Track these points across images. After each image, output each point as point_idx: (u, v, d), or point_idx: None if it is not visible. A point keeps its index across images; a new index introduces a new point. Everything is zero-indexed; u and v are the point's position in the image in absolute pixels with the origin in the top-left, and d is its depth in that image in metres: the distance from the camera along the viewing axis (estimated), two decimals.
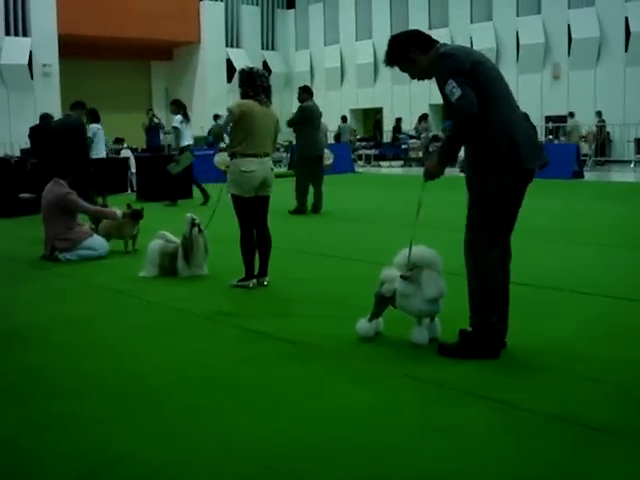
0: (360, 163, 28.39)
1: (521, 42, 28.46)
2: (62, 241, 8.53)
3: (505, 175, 4.36)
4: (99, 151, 14.61)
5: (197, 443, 3.39)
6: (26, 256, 8.89)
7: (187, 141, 14.52)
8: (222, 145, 11.58)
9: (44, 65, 29.20)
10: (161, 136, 24.23)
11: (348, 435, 3.44)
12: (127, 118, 31.65)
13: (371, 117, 34.12)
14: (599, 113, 25.44)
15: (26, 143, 15.68)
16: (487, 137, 4.34)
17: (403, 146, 28.87)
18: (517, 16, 28.71)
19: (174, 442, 3.41)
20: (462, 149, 4.58)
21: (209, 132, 24.81)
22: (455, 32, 30.66)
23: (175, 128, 14.40)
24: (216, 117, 24.18)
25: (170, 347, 5.03)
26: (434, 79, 4.58)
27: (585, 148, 24.02)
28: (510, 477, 3.05)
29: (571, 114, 25.32)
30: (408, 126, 29.87)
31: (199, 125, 32.21)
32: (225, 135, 6.76)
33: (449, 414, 3.67)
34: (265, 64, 36.37)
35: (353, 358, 4.64)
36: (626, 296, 6.09)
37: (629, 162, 24.45)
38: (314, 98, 13.31)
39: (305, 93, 12.95)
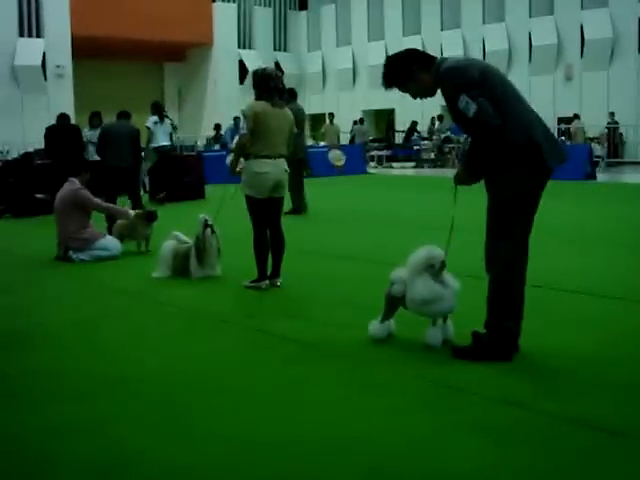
0: (372, 164, 28.39)
1: (534, 43, 28.41)
2: (75, 240, 8.56)
3: (529, 175, 4.33)
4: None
5: (211, 445, 3.40)
6: (40, 256, 8.94)
7: (162, 141, 15.50)
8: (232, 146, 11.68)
9: (57, 66, 29.36)
10: (174, 137, 24.21)
11: (363, 437, 3.44)
12: (139, 119, 31.68)
13: (383, 118, 34.11)
14: (612, 114, 25.33)
15: (40, 144, 15.65)
16: (507, 139, 4.29)
17: (415, 147, 28.85)
18: (530, 17, 28.66)
19: (187, 444, 3.41)
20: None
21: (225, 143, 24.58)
22: (467, 33, 30.65)
23: (147, 128, 15.47)
24: (236, 119, 23.33)
25: (183, 348, 5.04)
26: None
27: (598, 149, 23.94)
28: None
29: (576, 116, 25.19)
30: (420, 127, 29.82)
31: (211, 126, 32.34)
32: (235, 137, 6.73)
33: (463, 416, 3.66)
34: (277, 65, 36.39)
35: (366, 360, 4.64)
36: None
37: None
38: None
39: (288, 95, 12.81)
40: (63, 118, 14.04)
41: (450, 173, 5.04)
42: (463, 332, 4.71)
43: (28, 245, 10.21)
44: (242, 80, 34.43)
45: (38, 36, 29.21)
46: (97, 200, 8.90)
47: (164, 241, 7.71)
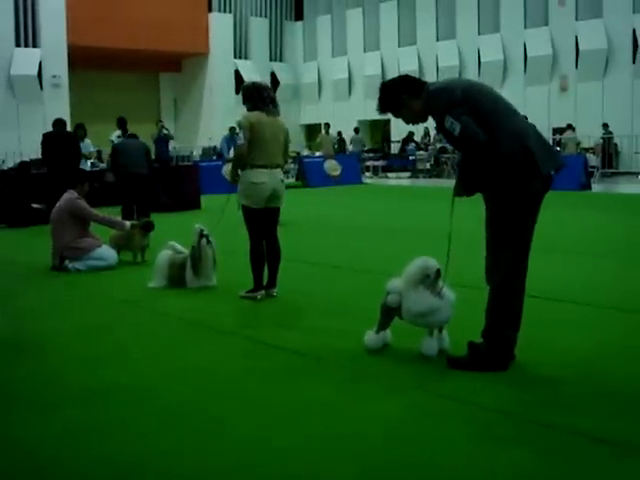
0: (367, 174, 28.44)
1: (528, 54, 28.51)
2: (72, 250, 8.54)
3: (525, 183, 4.34)
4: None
5: (208, 456, 3.40)
6: (36, 266, 8.93)
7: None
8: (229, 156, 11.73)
9: (53, 76, 29.39)
10: (170, 147, 24.25)
11: (359, 448, 3.44)
12: (135, 129, 31.66)
13: (379, 129, 34.19)
14: (605, 126, 25.42)
15: (37, 153, 15.63)
16: (500, 149, 4.32)
17: (411, 157, 28.91)
18: (525, 28, 28.78)
19: (186, 454, 3.41)
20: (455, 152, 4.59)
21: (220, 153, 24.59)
22: (462, 44, 30.76)
23: (111, 141, 16.04)
24: (231, 129, 23.18)
25: (178, 358, 5.04)
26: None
27: (593, 160, 24.02)
28: None
29: (569, 126, 25.29)
30: (417, 138, 29.87)
31: (207, 136, 32.41)
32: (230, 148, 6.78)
33: (459, 425, 3.66)
34: (273, 75, 36.54)
35: (362, 370, 4.64)
36: (637, 309, 6.08)
37: (637, 174, 24.41)
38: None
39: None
40: (59, 124, 13.76)
41: (446, 183, 5.03)
42: (459, 342, 4.72)
43: (24, 255, 10.19)
44: (238, 90, 34.43)
45: (34, 46, 29.24)
46: (94, 211, 8.90)
47: (160, 251, 7.71)
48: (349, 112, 34.26)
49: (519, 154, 4.32)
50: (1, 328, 5.99)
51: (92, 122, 28.42)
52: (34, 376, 4.70)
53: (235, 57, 35.84)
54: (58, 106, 28.41)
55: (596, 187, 20.39)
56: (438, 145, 27.56)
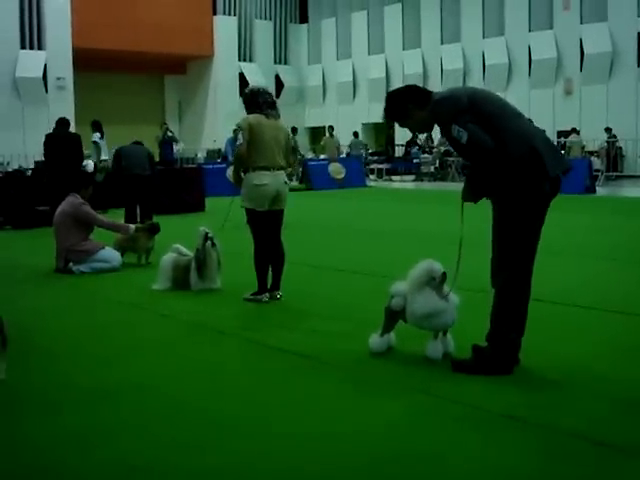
0: (372, 177, 28.43)
1: (533, 57, 28.50)
2: (76, 252, 8.56)
3: (534, 186, 4.34)
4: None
5: (211, 456, 3.40)
6: (40, 268, 8.94)
7: (104, 155, 16.58)
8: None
9: (58, 78, 29.44)
10: (174, 149, 24.30)
11: (361, 448, 3.44)
12: (140, 131, 31.75)
13: (383, 131, 34.19)
14: (609, 130, 25.38)
15: (40, 155, 15.61)
16: (508, 152, 4.31)
17: (415, 160, 28.91)
18: (529, 31, 28.76)
19: (192, 454, 3.42)
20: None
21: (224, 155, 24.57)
22: (467, 47, 30.75)
23: (95, 143, 16.52)
24: (235, 131, 23.38)
25: (183, 361, 5.04)
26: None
27: (597, 163, 23.99)
28: None
29: (574, 129, 25.26)
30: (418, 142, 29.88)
31: (211, 139, 32.44)
32: (234, 150, 6.81)
33: (463, 429, 3.66)
34: (278, 78, 36.55)
35: (366, 374, 4.64)
36: None
37: None
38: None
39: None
40: (62, 124, 13.53)
41: (450, 187, 5.03)
42: (463, 346, 4.72)
43: (28, 257, 10.20)
44: (242, 93, 34.52)
45: (39, 48, 29.31)
46: (99, 216, 8.93)
47: (164, 253, 7.72)
48: (353, 115, 34.27)
49: (527, 156, 4.32)
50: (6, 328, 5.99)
51: None
52: (38, 376, 4.71)
53: (240, 60, 35.87)
54: (63, 108, 28.40)
55: (600, 190, 20.37)
56: (442, 148, 27.54)
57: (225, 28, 35.28)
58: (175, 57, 34.55)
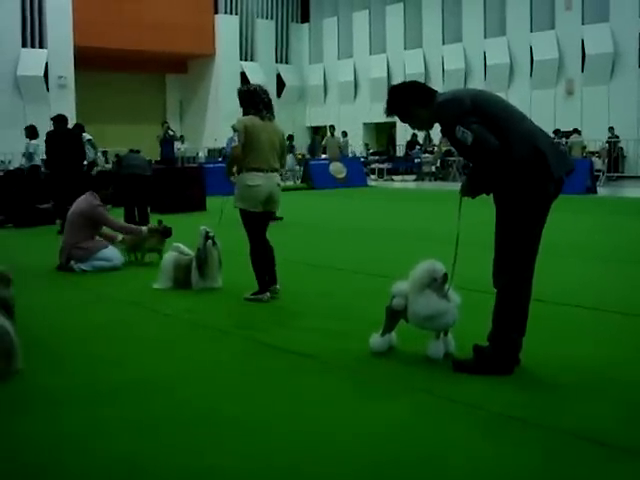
0: (372, 177, 28.42)
1: (535, 57, 28.50)
2: (78, 250, 8.56)
3: (538, 186, 4.34)
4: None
5: (211, 458, 3.40)
6: (41, 266, 8.94)
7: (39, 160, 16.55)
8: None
9: (59, 77, 29.48)
10: (175, 148, 24.34)
11: (362, 448, 3.44)
12: (142, 130, 31.84)
13: (384, 131, 34.19)
14: (611, 129, 25.39)
15: (42, 153, 15.61)
16: (512, 152, 4.31)
17: (416, 160, 28.91)
18: (531, 31, 28.76)
19: (192, 454, 3.42)
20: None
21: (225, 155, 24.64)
22: (468, 47, 30.76)
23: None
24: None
25: (183, 359, 5.04)
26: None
27: (598, 164, 23.98)
28: None
29: (575, 130, 25.26)
30: (421, 140, 29.88)
31: (213, 138, 32.46)
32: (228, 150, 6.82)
33: (464, 429, 3.66)
34: (279, 77, 36.57)
35: (366, 373, 4.64)
36: None
37: None
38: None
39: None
40: (61, 121, 13.22)
41: (451, 186, 5.04)
42: (464, 345, 4.72)
43: (29, 255, 10.21)
44: None
45: (41, 47, 29.35)
46: (112, 219, 8.95)
47: (165, 252, 7.72)
48: (355, 115, 34.27)
49: (531, 156, 4.32)
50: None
51: (98, 123, 28.57)
52: (38, 375, 4.70)
53: (241, 59, 35.89)
54: (64, 107, 28.42)
55: (602, 191, 20.37)
56: (444, 148, 27.52)
57: (226, 27, 35.30)
58: (176, 56, 34.57)
